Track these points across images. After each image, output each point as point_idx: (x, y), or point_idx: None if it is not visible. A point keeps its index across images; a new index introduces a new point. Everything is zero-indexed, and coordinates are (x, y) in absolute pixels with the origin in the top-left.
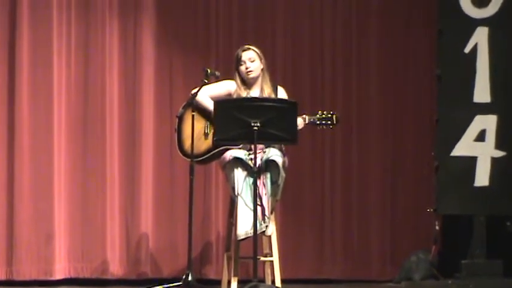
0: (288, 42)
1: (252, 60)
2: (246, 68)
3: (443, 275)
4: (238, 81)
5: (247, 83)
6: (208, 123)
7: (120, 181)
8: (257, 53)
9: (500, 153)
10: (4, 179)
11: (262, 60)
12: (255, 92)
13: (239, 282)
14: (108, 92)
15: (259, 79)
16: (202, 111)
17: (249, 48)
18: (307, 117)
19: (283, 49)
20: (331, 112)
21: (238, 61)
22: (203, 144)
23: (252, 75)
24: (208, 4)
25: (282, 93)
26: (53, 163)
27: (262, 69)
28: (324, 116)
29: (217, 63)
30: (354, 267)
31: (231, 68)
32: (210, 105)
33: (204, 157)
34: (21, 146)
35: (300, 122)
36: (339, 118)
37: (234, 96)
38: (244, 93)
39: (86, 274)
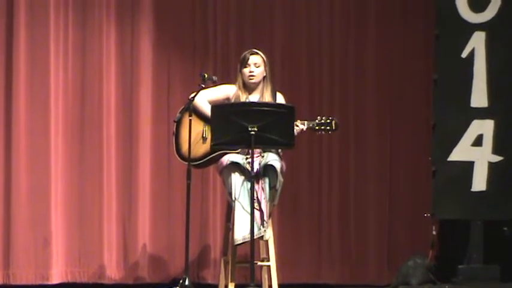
0: (286, 47)
1: (257, 65)
2: (250, 72)
3: (440, 279)
4: (240, 82)
5: (248, 87)
6: (206, 127)
7: (117, 185)
8: (263, 60)
9: (497, 158)
10: (1, 183)
11: (267, 68)
12: (254, 97)
13: (236, 286)
14: (105, 96)
15: (261, 85)
16: (200, 115)
17: (257, 53)
18: (306, 123)
19: (281, 54)
20: (330, 118)
21: (245, 63)
22: (201, 148)
23: (253, 80)
24: (206, 9)
25: (280, 99)
26: (50, 167)
27: (264, 77)
28: (323, 121)
29: (214, 67)
30: (351, 272)
31: (229, 73)
32: (208, 110)
33: (201, 161)
34: (18, 149)
35: (299, 127)
36: (338, 124)
37: (233, 99)
38: (243, 97)
39: (83, 278)
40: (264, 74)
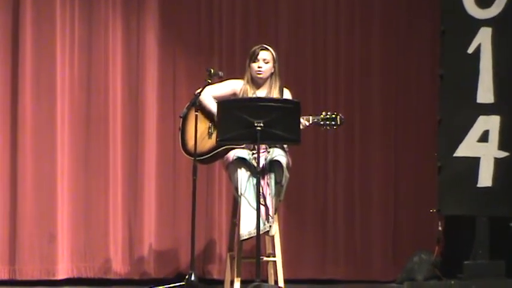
0: (291, 44)
1: (266, 61)
2: (258, 67)
3: (445, 275)
4: (248, 77)
5: (255, 82)
6: (212, 123)
7: (123, 181)
8: (273, 56)
9: (503, 154)
10: (7, 178)
11: (276, 64)
12: (262, 93)
13: (242, 282)
14: (112, 92)
15: (269, 81)
16: (205, 112)
17: (267, 49)
18: (311, 118)
19: (286, 51)
20: (335, 113)
21: (254, 58)
22: (207, 143)
23: (261, 75)
24: (211, 4)
25: (287, 95)
26: (56, 162)
27: (273, 73)
28: (328, 116)
29: (220, 63)
30: (357, 268)
31: (234, 69)
32: (212, 107)
33: (207, 156)
34: (24, 145)
35: (303, 122)
36: (343, 119)
37: (241, 94)
38: (251, 92)
39: (88, 274)
40: (272, 71)
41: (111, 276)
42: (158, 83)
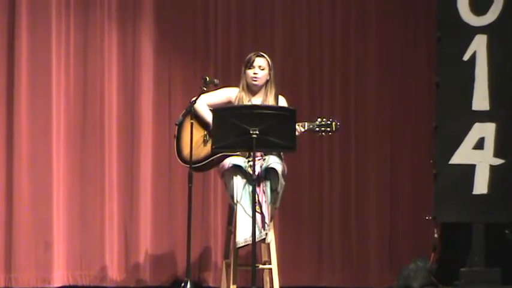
0: (286, 49)
1: (262, 68)
2: (254, 74)
3: (441, 282)
4: (244, 84)
5: (251, 89)
6: (206, 131)
7: (118, 188)
8: (268, 63)
9: (498, 161)
10: (3, 186)
11: (271, 71)
12: (257, 100)
13: None
14: (107, 99)
15: (264, 88)
16: (200, 121)
17: (263, 56)
18: (306, 124)
19: (282, 58)
20: (330, 119)
21: (249, 64)
22: (202, 151)
23: (257, 82)
24: (207, 12)
25: (282, 103)
26: (52, 169)
27: (268, 80)
28: (323, 123)
29: (215, 71)
30: (353, 275)
31: (229, 76)
32: (207, 116)
33: (203, 163)
34: (20, 152)
35: (298, 128)
36: (338, 125)
37: (236, 101)
38: (246, 100)
39: (84, 282)
40: (268, 77)
41: (107, 284)
42: (154, 90)
